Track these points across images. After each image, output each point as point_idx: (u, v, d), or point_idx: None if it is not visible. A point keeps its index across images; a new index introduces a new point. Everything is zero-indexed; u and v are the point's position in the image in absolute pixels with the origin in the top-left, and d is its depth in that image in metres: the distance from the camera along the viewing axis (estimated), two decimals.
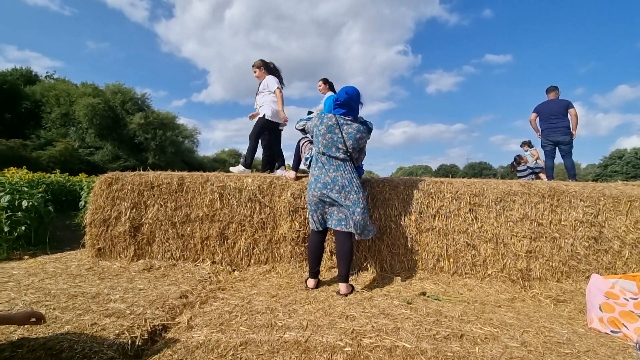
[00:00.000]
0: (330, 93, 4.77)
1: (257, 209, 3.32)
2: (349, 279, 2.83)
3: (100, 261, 3.29)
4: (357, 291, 2.69)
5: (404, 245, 3.21)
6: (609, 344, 1.93)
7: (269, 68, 4.38)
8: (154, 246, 3.33)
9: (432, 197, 3.23)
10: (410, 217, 3.21)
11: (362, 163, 2.98)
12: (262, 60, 4.38)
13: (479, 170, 66.26)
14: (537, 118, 5.51)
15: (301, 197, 3.31)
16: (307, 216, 3.10)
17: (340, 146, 2.54)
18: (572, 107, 5.23)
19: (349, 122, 2.58)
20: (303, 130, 3.00)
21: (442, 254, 3.17)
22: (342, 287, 2.63)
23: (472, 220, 3.18)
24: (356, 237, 2.64)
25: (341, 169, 2.57)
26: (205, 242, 3.31)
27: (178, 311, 2.25)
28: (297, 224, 3.29)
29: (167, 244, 3.32)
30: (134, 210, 3.33)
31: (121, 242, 3.33)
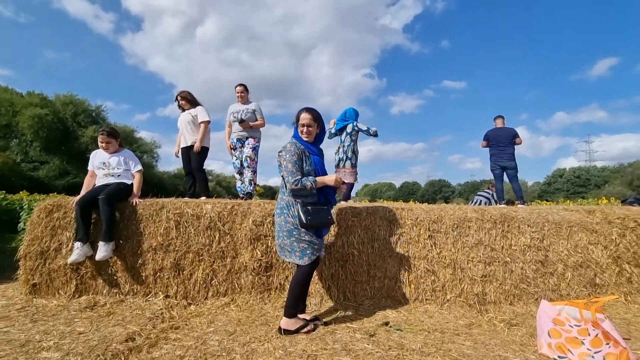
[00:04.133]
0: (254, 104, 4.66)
1: (217, 237, 3.18)
2: (309, 310, 2.76)
3: (34, 299, 2.94)
4: (319, 324, 2.61)
5: (366, 273, 3.21)
6: None
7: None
8: (99, 280, 3.04)
9: (393, 224, 3.29)
10: (372, 244, 3.23)
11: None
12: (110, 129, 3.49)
13: (438, 188, 69.55)
14: (487, 143, 5.98)
15: (263, 224, 3.22)
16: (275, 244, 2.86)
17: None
18: (518, 136, 5.74)
19: None
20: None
21: (404, 280, 3.21)
22: (282, 321, 2.44)
23: (432, 246, 3.27)
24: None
25: (281, 191, 2.57)
26: (158, 274, 3.08)
27: (122, 358, 2.03)
28: (259, 252, 3.18)
29: (115, 277, 3.05)
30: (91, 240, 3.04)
31: (61, 277, 3.01)
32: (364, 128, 4.73)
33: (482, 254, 3.27)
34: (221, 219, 3.21)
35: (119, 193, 3.21)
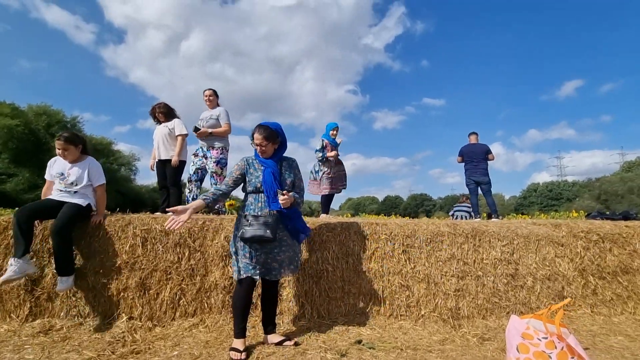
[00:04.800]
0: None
1: (186, 254, 3.06)
2: (292, 332, 2.67)
3: None
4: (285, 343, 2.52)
5: (341, 289, 3.16)
6: None
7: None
8: (57, 302, 2.85)
9: (367, 239, 3.28)
10: (346, 260, 3.20)
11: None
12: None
13: (420, 201, 70.73)
14: (462, 159, 6.17)
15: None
16: None
17: None
18: (491, 152, 5.96)
19: None
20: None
21: (379, 296, 3.18)
22: None
23: (406, 261, 3.27)
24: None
25: None
26: (122, 294, 2.92)
27: None
28: (230, 269, 3.09)
29: (74, 298, 2.87)
30: (34, 259, 2.86)
31: (13, 299, 2.81)
32: (317, 148, 4.85)
33: (455, 268, 3.30)
34: (191, 235, 3.11)
35: (74, 220, 2.81)
